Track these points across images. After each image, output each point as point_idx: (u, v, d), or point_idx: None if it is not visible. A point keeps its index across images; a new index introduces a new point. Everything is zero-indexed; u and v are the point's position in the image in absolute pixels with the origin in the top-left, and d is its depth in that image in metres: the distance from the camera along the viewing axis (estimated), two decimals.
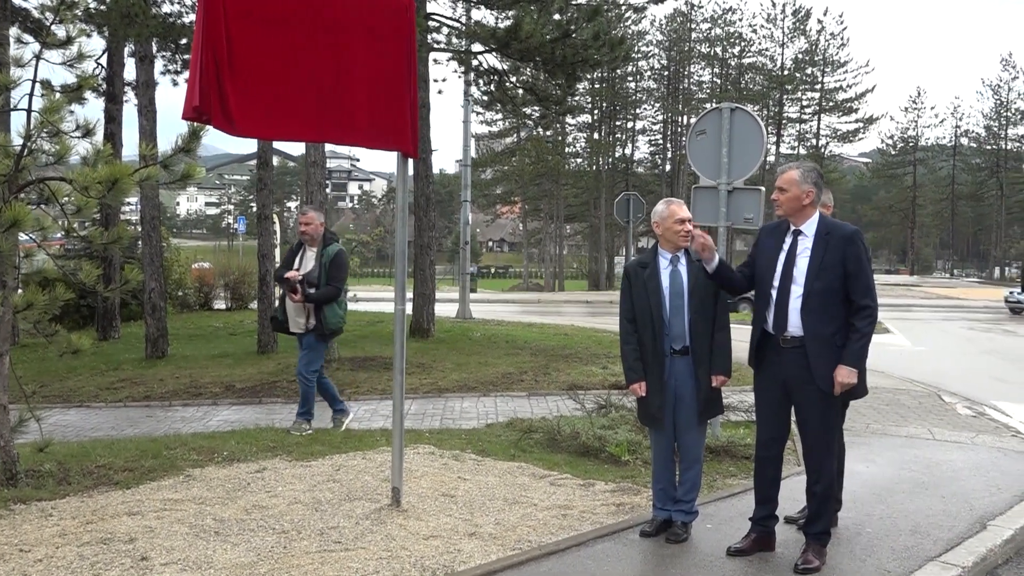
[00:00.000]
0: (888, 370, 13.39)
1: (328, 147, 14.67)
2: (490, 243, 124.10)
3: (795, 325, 4.40)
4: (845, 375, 4.33)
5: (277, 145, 41.11)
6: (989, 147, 79.49)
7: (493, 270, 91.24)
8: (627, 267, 5.02)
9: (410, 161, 5.23)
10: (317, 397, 7.72)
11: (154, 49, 14.92)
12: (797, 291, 4.41)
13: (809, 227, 4.49)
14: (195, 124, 5.22)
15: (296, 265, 7.54)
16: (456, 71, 17.76)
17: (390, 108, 4.95)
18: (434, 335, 15.71)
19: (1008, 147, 77.83)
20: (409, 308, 15.77)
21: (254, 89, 4.48)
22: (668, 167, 64.64)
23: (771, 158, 63.57)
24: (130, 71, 16.87)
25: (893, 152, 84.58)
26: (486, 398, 9.88)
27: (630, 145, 65.02)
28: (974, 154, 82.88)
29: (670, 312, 4.73)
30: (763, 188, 7.46)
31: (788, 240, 4.54)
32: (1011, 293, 31.44)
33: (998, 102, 77.28)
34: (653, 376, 4.75)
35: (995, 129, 78.23)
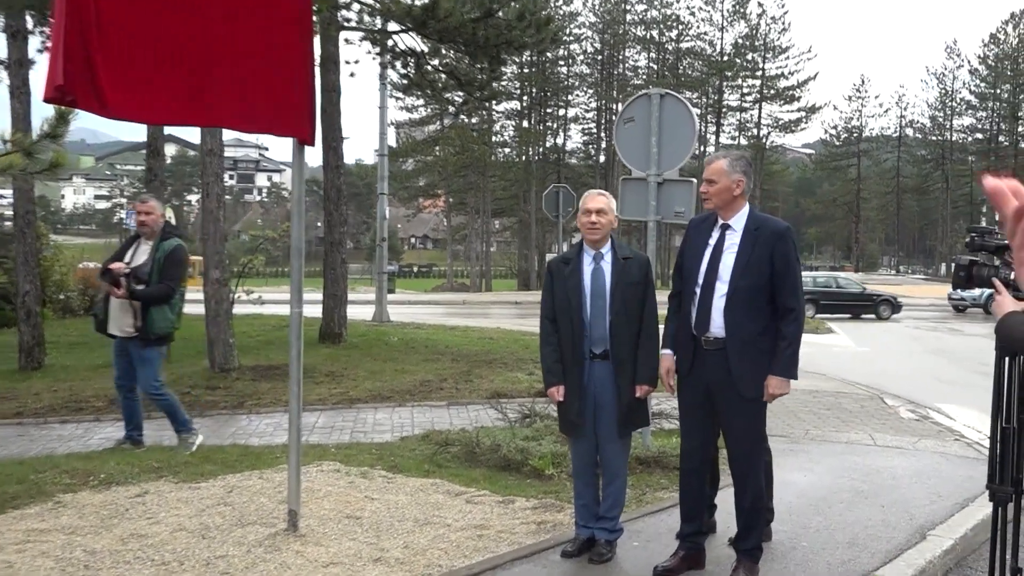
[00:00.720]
0: (830, 372, 13.71)
1: (232, 134, 14.40)
2: (412, 240, 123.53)
3: (718, 325, 4.44)
4: (776, 386, 4.40)
5: (172, 131, 40.11)
6: (934, 138, 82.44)
7: (415, 269, 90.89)
8: (550, 263, 5.05)
9: (317, 151, 5.12)
10: (143, 413, 7.43)
11: (29, 24, 14.38)
12: (722, 289, 4.45)
13: (738, 221, 4.53)
14: (62, 107, 5.00)
15: (127, 258, 7.18)
16: (370, 52, 17.56)
17: (284, 89, 4.82)
18: (346, 340, 15.55)
19: (953, 138, 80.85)
20: (319, 311, 15.56)
21: (128, 64, 4.29)
22: (602, 158, 65.37)
23: (711, 148, 64.76)
24: (1, 48, 16.24)
25: (837, 143, 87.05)
26: (402, 409, 9.78)
27: (562, 134, 65.58)
28: (919, 145, 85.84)
29: (591, 313, 4.73)
30: (695, 180, 7.51)
31: (715, 234, 4.58)
32: (955, 291, 32.61)
33: (943, 91, 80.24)
34: (572, 380, 4.75)
35: (940, 119, 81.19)
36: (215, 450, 7.37)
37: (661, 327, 4.81)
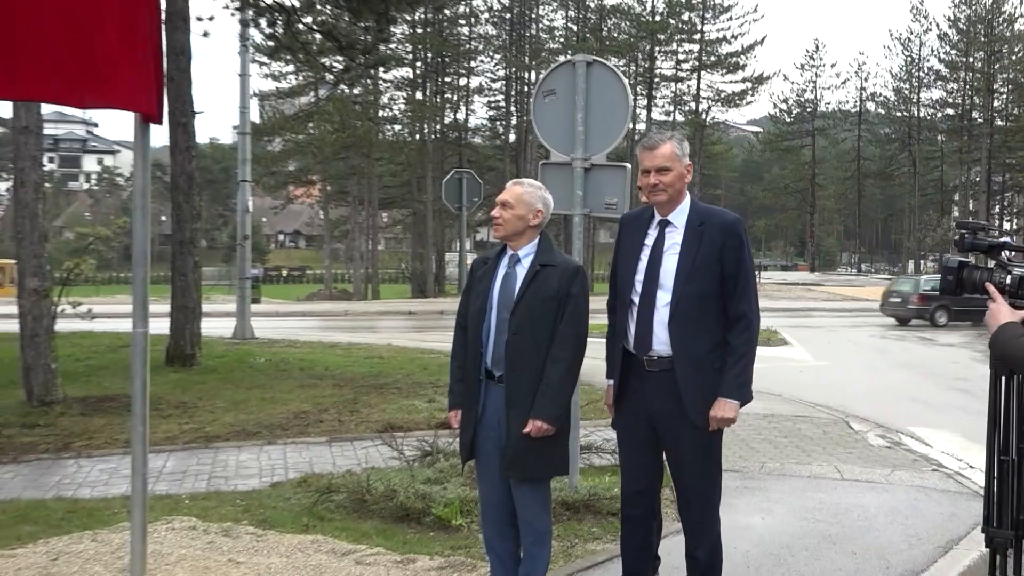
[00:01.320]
0: (786, 392, 14.01)
1: (50, 107, 13.92)
2: (280, 237, 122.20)
3: (662, 342, 4.48)
4: (723, 409, 4.45)
5: None
6: (900, 114, 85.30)
7: (285, 273, 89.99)
8: (473, 261, 5.13)
9: (163, 128, 4.94)
10: None
11: None
12: (664, 298, 4.49)
13: (679, 216, 4.59)
14: None
15: None
16: (228, 6, 17.26)
17: (120, 51, 4.64)
18: (200, 363, 15.30)
19: (921, 114, 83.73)
20: (165, 327, 15.25)
21: None
22: (512, 136, 65.71)
23: (641, 125, 65.78)
24: None
25: (788, 119, 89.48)
26: (272, 447, 9.62)
27: (464, 108, 65.71)
28: (882, 122, 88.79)
29: (494, 327, 4.72)
30: (628, 165, 7.58)
31: (652, 233, 4.63)
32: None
33: (908, 59, 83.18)
34: (469, 404, 4.79)
35: (906, 92, 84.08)
36: (35, 506, 7.11)
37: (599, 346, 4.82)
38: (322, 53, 22.60)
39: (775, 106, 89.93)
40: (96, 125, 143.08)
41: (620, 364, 4.64)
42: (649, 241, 4.59)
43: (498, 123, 68.49)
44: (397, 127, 62.47)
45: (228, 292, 51.06)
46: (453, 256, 71.73)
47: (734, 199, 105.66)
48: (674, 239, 4.53)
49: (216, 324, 21.55)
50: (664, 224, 4.58)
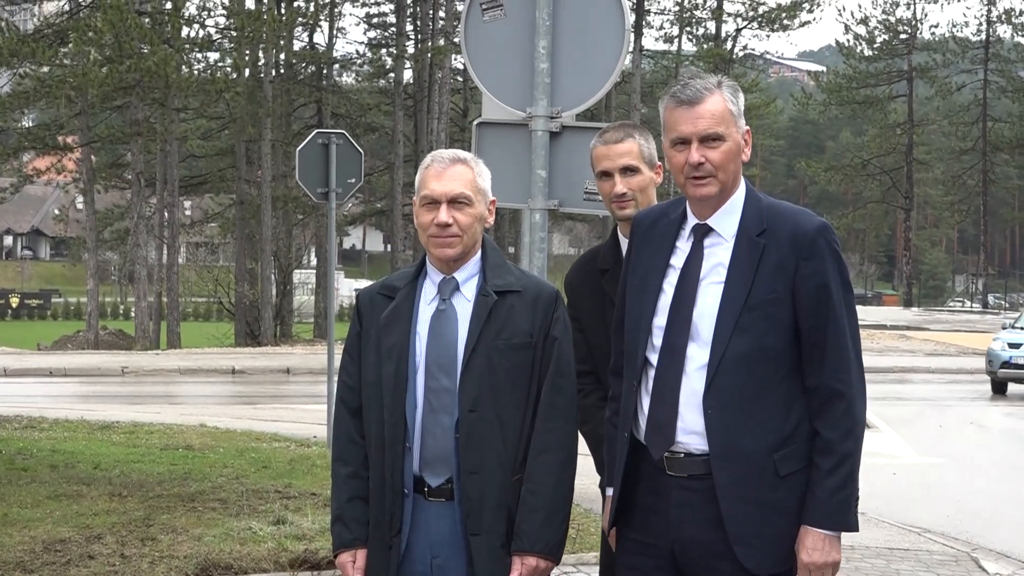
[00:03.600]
0: (874, 508, 14.13)
1: None
2: (9, 240, 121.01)
3: (692, 431, 4.51)
4: (815, 547, 4.43)
5: None
6: None
7: (16, 302, 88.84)
8: (361, 295, 5.11)
9: None
10: None
11: None
12: (699, 355, 4.50)
13: (727, 218, 4.58)
14: None
15: None
16: None
17: None
18: None
19: None
20: None
21: None
22: (407, 74, 65.71)
23: (627, 61, 66.17)
24: None
25: (868, 53, 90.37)
26: None
27: (326, 25, 65.48)
28: None
29: (423, 402, 4.77)
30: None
31: (684, 248, 4.63)
32: None
33: None
34: (381, 539, 4.82)
35: None
36: None
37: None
38: None
39: (847, 30, 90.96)
40: None
41: (625, 464, 4.65)
42: (677, 261, 4.60)
43: (384, 51, 68.52)
44: (213, 56, 62.23)
45: None
46: (307, 276, 71.62)
47: (777, 181, 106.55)
48: (717, 258, 4.53)
49: None
50: (702, 232, 4.58)
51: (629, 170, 5.25)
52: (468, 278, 4.81)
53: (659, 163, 5.24)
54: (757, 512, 4.41)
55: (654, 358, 4.56)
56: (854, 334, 4.51)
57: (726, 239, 4.53)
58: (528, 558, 4.64)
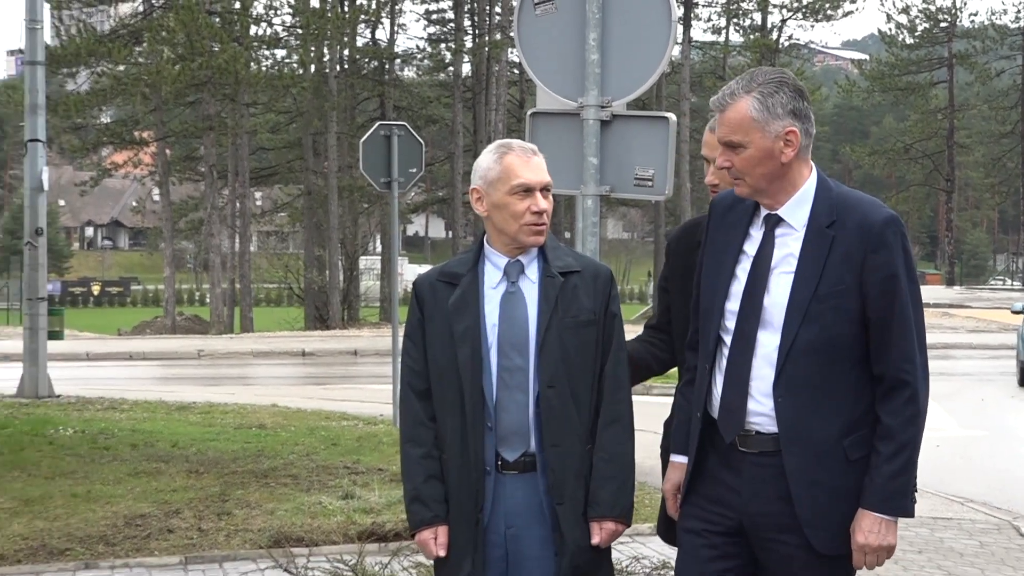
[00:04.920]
0: (921, 479, 14.02)
1: None
2: (90, 231, 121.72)
3: (763, 412, 4.48)
4: (872, 530, 4.40)
5: None
6: None
7: (98, 290, 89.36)
8: (418, 283, 5.08)
9: None
10: None
11: None
12: (770, 341, 4.47)
13: (797, 209, 4.54)
14: None
15: None
16: None
17: None
18: None
19: None
20: None
21: None
22: (466, 68, 65.72)
23: (676, 51, 65.93)
24: None
25: (909, 41, 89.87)
26: (91, 572, 9.58)
27: (387, 23, 65.58)
28: None
29: (497, 383, 4.77)
30: (672, 116, 7.63)
31: (757, 235, 4.60)
32: None
33: None
34: (463, 515, 4.80)
35: None
36: None
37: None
38: None
39: (889, 19, 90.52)
40: None
41: (699, 436, 4.64)
42: (751, 248, 4.57)
43: (443, 46, 68.50)
44: (280, 53, 62.42)
45: (4, 320, 50.95)
46: (372, 262, 71.75)
47: (823, 166, 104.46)
48: (788, 249, 4.48)
49: None
50: (774, 222, 4.55)
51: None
52: (530, 261, 4.84)
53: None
54: (826, 496, 4.40)
55: (728, 340, 4.56)
56: (919, 324, 4.47)
57: (797, 229, 4.49)
58: (606, 523, 4.70)
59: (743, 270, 4.55)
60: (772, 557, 4.51)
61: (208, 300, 63.21)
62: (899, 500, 4.39)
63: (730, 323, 4.54)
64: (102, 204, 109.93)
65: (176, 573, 9.57)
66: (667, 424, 5.36)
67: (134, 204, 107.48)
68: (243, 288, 59.80)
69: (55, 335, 33.12)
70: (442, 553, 4.81)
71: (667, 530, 5.26)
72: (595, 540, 4.73)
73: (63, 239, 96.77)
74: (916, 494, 4.51)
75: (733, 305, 4.54)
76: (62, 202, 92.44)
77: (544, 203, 4.80)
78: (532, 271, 4.84)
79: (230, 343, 41.94)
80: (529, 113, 7.82)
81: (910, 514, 4.48)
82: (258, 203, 74.03)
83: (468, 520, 4.76)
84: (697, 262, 4.87)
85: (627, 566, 8.67)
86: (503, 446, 4.76)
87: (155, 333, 53.08)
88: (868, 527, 4.37)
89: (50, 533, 10.53)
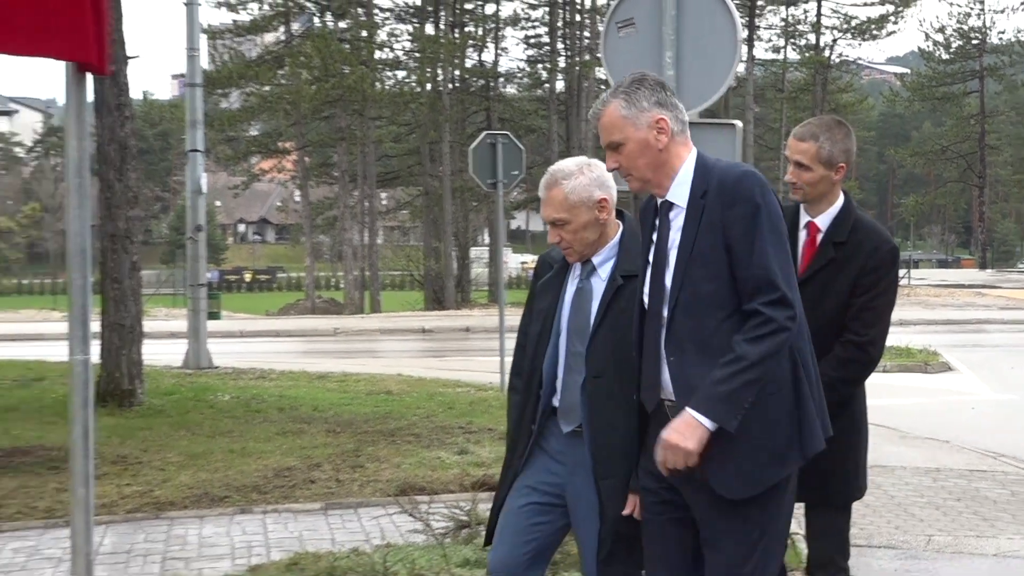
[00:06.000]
0: (956, 437, 13.90)
1: None
2: (242, 227, 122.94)
3: (667, 380, 4.37)
4: (677, 431, 4.16)
5: None
6: None
7: (249, 277, 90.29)
8: (540, 257, 5.15)
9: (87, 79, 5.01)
10: None
11: None
12: (663, 311, 4.34)
13: (679, 190, 4.38)
14: None
15: None
16: None
17: None
18: (144, 402, 15.39)
19: None
20: (94, 352, 15.31)
21: None
22: (560, 84, 65.61)
23: (741, 67, 65.52)
24: None
25: (946, 56, 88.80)
26: (247, 517, 9.66)
27: (492, 46, 65.61)
28: None
29: (564, 360, 4.80)
30: (739, 123, 7.60)
31: (658, 224, 4.49)
32: None
33: None
34: (510, 458, 4.97)
35: None
36: None
37: None
38: None
39: (927, 37, 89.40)
40: None
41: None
42: (655, 236, 4.46)
43: (540, 66, 68.38)
44: (401, 74, 62.64)
45: (172, 304, 51.60)
46: (481, 252, 71.89)
47: (870, 167, 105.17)
48: (677, 226, 4.34)
49: (159, 348, 21.69)
50: (666, 207, 4.39)
51: (800, 165, 5.20)
52: (604, 261, 4.76)
53: (841, 163, 5.19)
54: (719, 443, 4.15)
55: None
56: (784, 267, 4.21)
57: (682, 207, 4.33)
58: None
59: (650, 257, 4.43)
60: (693, 507, 4.37)
61: (342, 285, 63.63)
62: (714, 404, 4.09)
63: (648, 307, 4.41)
64: (252, 204, 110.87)
65: (318, 517, 9.65)
66: None
67: (279, 204, 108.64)
68: (371, 275, 60.10)
69: (214, 316, 33.50)
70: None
71: None
72: (628, 508, 4.61)
73: (219, 234, 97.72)
74: (740, 413, 4.11)
75: (647, 288, 4.42)
76: (218, 203, 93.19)
77: (554, 236, 4.77)
78: (604, 270, 4.77)
79: (361, 322, 42.13)
80: None
81: (719, 421, 4.07)
82: (383, 202, 74.27)
83: (508, 463, 4.93)
84: None
85: None
86: (563, 419, 4.78)
87: (297, 314, 53.45)
88: (675, 424, 4.12)
89: (211, 483, 10.69)
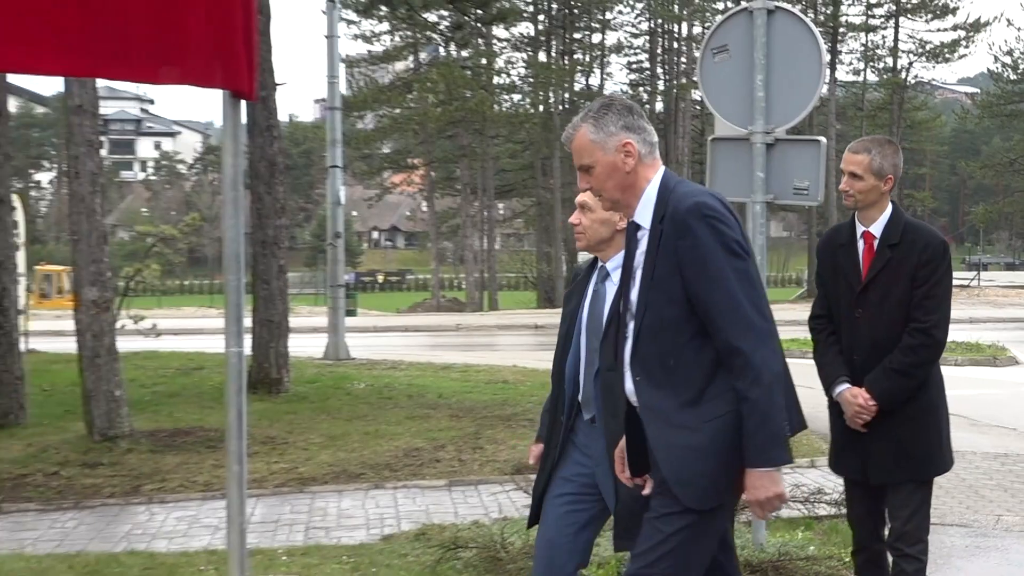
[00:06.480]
0: (1023, 426, 13.63)
1: (101, 82, 14.34)
2: (374, 234, 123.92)
3: (631, 389, 4.28)
4: (756, 487, 4.01)
5: (14, 80, 40.21)
6: None
7: (381, 278, 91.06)
8: (572, 268, 5.21)
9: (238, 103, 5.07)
10: None
11: None
12: (632, 330, 4.24)
13: (644, 211, 4.23)
14: None
15: None
16: None
17: (206, 15, 4.79)
18: (289, 389, 15.58)
19: None
20: (247, 346, 15.51)
21: None
22: (659, 105, 65.38)
23: (824, 88, 64.77)
24: None
25: (1013, 76, 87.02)
26: (379, 492, 9.78)
27: (598, 71, 65.56)
28: None
29: (585, 360, 4.84)
30: (823, 140, 7.56)
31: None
32: None
33: None
34: (547, 446, 5.01)
35: None
36: (106, 561, 7.35)
37: None
38: (426, 6, 22.92)
39: (995, 60, 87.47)
40: (152, 102, 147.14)
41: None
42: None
43: (641, 89, 68.13)
44: (516, 97, 62.63)
45: (314, 302, 52.15)
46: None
47: (943, 179, 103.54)
48: (643, 247, 4.20)
49: (302, 342, 21.94)
50: (634, 228, 4.26)
51: (854, 176, 5.25)
52: (616, 267, 4.71)
53: (890, 175, 5.26)
54: (681, 456, 4.05)
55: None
56: (749, 295, 4.00)
57: (647, 228, 4.17)
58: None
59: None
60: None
61: (464, 286, 64.01)
62: (767, 452, 3.94)
63: (621, 317, 4.31)
64: (384, 214, 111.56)
65: (442, 493, 9.72)
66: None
67: (408, 213, 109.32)
68: (490, 276, 60.33)
69: (350, 313, 33.73)
70: (531, 461, 5.14)
71: (836, 464, 5.54)
72: (645, 490, 4.37)
73: (355, 241, 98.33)
74: (787, 442, 4.06)
75: (621, 301, 4.33)
76: (354, 213, 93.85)
77: (574, 216, 4.87)
78: (616, 275, 4.71)
79: (480, 319, 42.29)
80: (710, 139, 7.78)
81: (784, 461, 3.99)
82: (500, 212, 74.37)
83: (546, 450, 4.96)
84: (847, 258, 5.24)
85: (788, 492, 8.54)
86: (584, 410, 4.82)
87: (424, 311, 53.73)
88: (751, 483, 3.96)
89: (349, 461, 10.83)
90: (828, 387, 5.39)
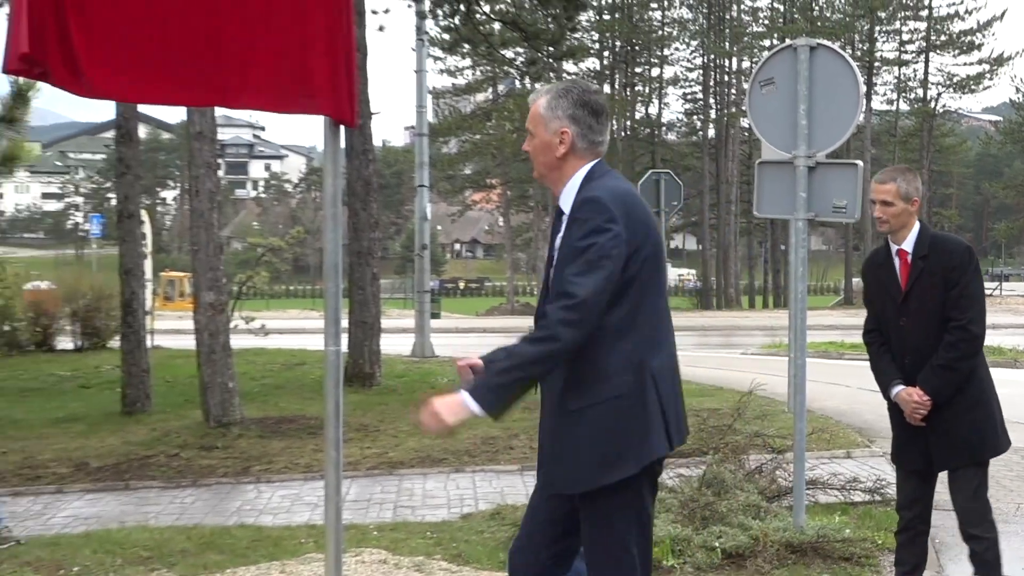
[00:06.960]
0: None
1: (219, 111, 14.54)
2: (456, 246, 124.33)
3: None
4: (445, 402, 3.79)
5: (144, 108, 40.70)
6: None
7: (463, 285, 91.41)
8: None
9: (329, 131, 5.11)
10: None
11: None
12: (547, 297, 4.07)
13: (566, 198, 4.07)
14: (22, 81, 5.08)
15: None
16: None
17: (314, 53, 4.84)
18: (380, 383, 15.65)
19: None
20: (344, 345, 15.64)
21: (113, 29, 4.34)
22: (711, 132, 65.03)
23: (860, 116, 64.11)
24: None
25: None
26: (460, 475, 9.79)
27: (656, 102, 65.48)
28: None
29: None
30: (860, 163, 7.51)
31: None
32: None
33: None
34: None
35: None
36: (219, 533, 7.43)
37: None
38: (503, 44, 22.96)
39: (1017, 90, 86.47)
40: (263, 129, 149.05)
41: None
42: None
43: (695, 117, 67.89)
44: None
45: (403, 306, 52.45)
46: None
47: (968, 198, 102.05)
48: (561, 230, 4.02)
49: (393, 341, 22.05)
50: (559, 211, 4.08)
51: (885, 203, 5.30)
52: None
53: (915, 198, 5.36)
54: (554, 443, 3.97)
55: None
56: (589, 266, 3.75)
57: (566, 214, 3.99)
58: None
59: (549, 255, 4.12)
60: None
61: (535, 292, 63.92)
62: (481, 389, 3.72)
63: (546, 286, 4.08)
64: (465, 228, 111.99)
65: (515, 477, 9.72)
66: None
67: (486, 228, 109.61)
68: None
69: (435, 315, 33.85)
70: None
71: (899, 457, 5.54)
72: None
73: (440, 252, 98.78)
74: (502, 405, 3.78)
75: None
76: (439, 227, 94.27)
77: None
78: None
79: None
80: (757, 162, 7.74)
81: (485, 406, 3.68)
82: None
83: None
84: (885, 275, 5.34)
85: (826, 479, 8.46)
86: None
87: (500, 315, 53.85)
88: (448, 399, 3.73)
89: (432, 448, 10.83)
90: (885, 390, 5.44)
